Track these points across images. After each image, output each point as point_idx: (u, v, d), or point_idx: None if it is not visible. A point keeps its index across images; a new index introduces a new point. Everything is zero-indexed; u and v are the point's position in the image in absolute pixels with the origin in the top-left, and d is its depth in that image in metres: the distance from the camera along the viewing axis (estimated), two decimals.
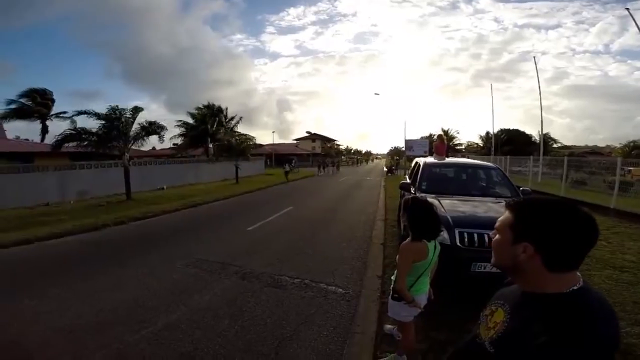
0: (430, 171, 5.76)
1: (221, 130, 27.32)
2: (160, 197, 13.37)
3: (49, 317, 3.55)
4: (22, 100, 28.20)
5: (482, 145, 43.58)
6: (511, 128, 40.75)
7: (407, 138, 28.97)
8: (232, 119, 30.06)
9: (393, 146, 72.37)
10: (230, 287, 4.43)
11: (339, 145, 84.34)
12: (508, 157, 19.05)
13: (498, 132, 39.97)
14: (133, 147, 13.39)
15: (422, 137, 37.67)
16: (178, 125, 27.78)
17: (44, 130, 29.63)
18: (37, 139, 28.87)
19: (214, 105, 28.78)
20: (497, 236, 0.95)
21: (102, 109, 12.68)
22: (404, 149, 32.00)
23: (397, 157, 40.38)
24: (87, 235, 7.47)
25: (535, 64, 23.41)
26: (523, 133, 39.22)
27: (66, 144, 12.35)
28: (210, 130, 27.00)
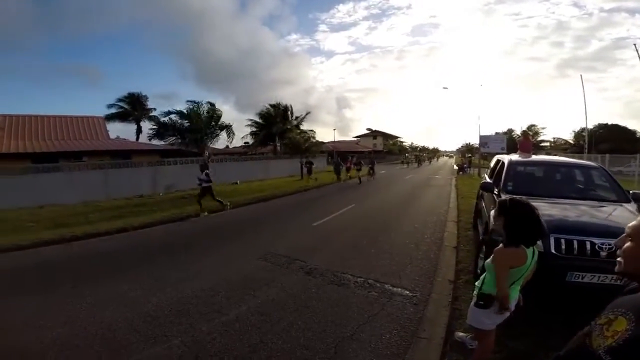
0: (516, 170, 5.13)
1: (288, 129, 28.37)
2: (235, 191, 14.36)
3: (138, 302, 3.96)
4: (120, 103, 33.07)
5: (572, 142, 38.39)
6: (609, 123, 35.08)
7: (482, 134, 26.62)
8: (297, 117, 31.04)
9: (464, 143, 67.32)
10: (296, 282, 4.51)
11: (403, 142, 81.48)
12: (607, 155, 16.36)
13: (594, 127, 34.57)
14: (211, 145, 14.72)
15: (498, 133, 34.42)
16: (248, 125, 29.66)
17: (139, 130, 34.32)
18: (133, 138, 33.53)
19: (279, 104, 30.06)
20: (628, 243, 0.94)
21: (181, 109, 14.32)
22: (477, 145, 29.53)
23: (470, 155, 37.40)
24: (173, 226, 8.38)
25: (637, 51, 20.13)
26: (624, 128, 33.53)
27: (155, 142, 14.10)
28: (278, 129, 28.26)
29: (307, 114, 30.99)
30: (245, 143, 33.92)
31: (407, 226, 7.76)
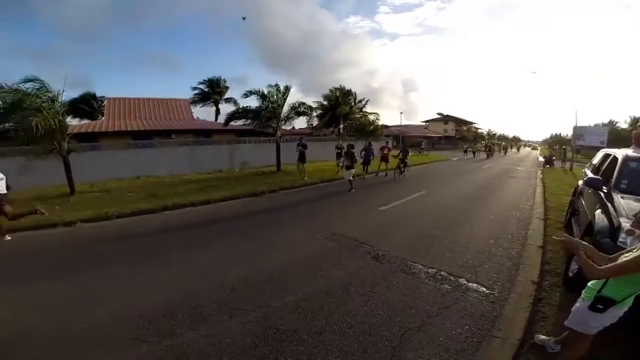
0: (632, 167, 4.35)
1: (352, 111, 28.08)
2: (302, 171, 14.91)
3: (217, 273, 4.28)
4: (201, 87, 36.05)
5: None
6: None
7: (577, 124, 22.96)
8: (361, 100, 30.50)
9: (552, 133, 59.02)
10: (363, 266, 4.51)
11: (478, 128, 74.66)
12: None
13: None
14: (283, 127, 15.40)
15: (597, 124, 29.41)
16: (314, 108, 29.99)
17: (217, 112, 37.18)
18: (212, 119, 36.47)
19: (343, 87, 29.79)
20: None
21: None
22: (569, 137, 25.70)
23: (564, 147, 32.25)
24: (248, 200, 9.06)
25: None
26: None
27: (232, 122, 15.19)
28: (342, 111, 28.14)
29: (367, 100, 30.43)
30: (309, 125, 34.63)
31: (485, 219, 7.16)
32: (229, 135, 19.24)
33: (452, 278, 4.14)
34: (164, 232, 6.40)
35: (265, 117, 14.48)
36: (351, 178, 10.56)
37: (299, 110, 15.10)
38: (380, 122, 24.31)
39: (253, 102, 15.60)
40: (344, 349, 2.79)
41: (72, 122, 26.19)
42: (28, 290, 3.89)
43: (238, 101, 33.69)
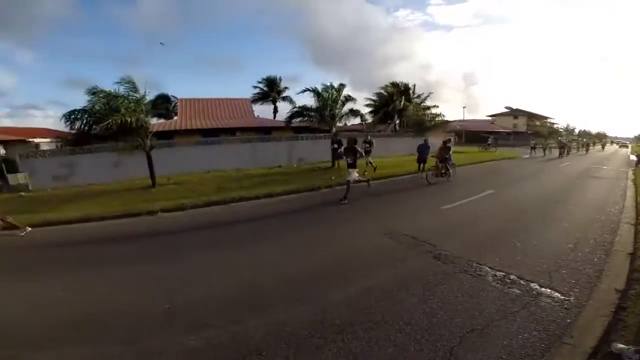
0: None
1: (409, 107, 27.18)
2: (360, 167, 14.96)
3: (280, 264, 4.57)
4: (260, 85, 37.80)
5: None
6: None
7: None
8: (419, 95, 29.33)
9: None
10: (423, 265, 4.44)
11: (554, 123, 66.85)
12: None
13: None
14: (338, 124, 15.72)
15: None
16: (367, 105, 29.69)
17: (275, 110, 38.78)
18: (270, 116, 38.12)
19: (400, 83, 28.89)
20: None
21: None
22: None
23: None
24: (307, 195, 9.48)
25: None
26: None
27: (293, 120, 15.92)
28: (397, 107, 27.38)
29: (428, 95, 29.15)
30: (362, 122, 34.30)
31: (563, 222, 6.49)
32: (287, 132, 20.07)
33: (522, 282, 3.89)
34: (233, 222, 7.02)
35: (324, 115, 14.89)
36: (352, 179, 8.42)
37: (353, 108, 15.28)
38: (441, 117, 23.00)
39: (306, 100, 16.26)
40: (400, 345, 2.81)
41: (152, 121, 29.62)
42: (116, 272, 4.62)
43: (293, 99, 35.11)
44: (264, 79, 38.23)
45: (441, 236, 5.54)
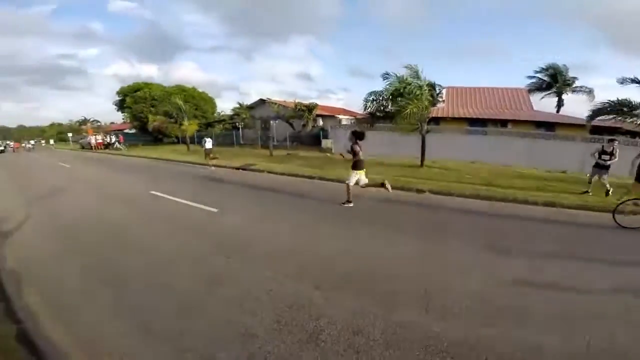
0: None
1: None
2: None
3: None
4: (539, 75, 31.01)
5: None
6: None
7: None
8: None
9: None
10: None
11: None
12: None
13: None
14: None
15: None
16: None
17: (559, 103, 31.14)
18: (550, 110, 31.05)
19: None
20: None
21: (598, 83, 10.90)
22: None
23: None
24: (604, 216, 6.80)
25: None
26: None
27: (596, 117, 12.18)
28: None
29: None
30: None
31: None
32: (578, 131, 15.60)
33: None
34: (500, 222, 6.44)
35: None
36: (351, 184, 7.24)
37: None
38: None
39: (623, 93, 11.25)
40: None
41: None
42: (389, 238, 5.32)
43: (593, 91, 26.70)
44: (543, 68, 31.20)
45: None
